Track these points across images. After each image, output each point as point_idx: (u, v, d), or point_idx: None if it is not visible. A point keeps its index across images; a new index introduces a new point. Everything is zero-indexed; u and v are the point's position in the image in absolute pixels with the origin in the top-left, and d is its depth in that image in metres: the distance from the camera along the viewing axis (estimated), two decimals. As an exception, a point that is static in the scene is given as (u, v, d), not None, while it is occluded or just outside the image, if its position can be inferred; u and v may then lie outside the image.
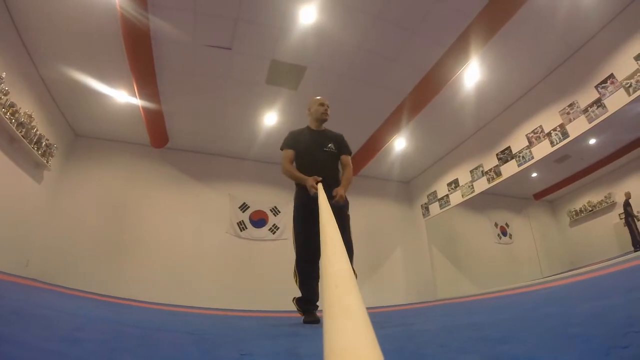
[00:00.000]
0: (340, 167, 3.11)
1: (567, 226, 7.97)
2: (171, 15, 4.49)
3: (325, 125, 3.25)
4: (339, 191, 2.71)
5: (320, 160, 2.99)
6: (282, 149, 3.10)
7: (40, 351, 0.89)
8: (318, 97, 3.25)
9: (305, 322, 2.69)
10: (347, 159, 3.10)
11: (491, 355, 0.98)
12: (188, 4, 4.34)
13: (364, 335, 0.36)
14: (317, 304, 2.85)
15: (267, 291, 6.61)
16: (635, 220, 6.22)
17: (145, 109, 5.91)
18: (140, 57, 4.89)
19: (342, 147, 3.13)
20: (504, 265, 8.13)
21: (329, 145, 3.06)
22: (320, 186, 2.24)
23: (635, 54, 4.48)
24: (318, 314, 2.80)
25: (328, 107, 3.18)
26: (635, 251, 5.86)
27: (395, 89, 5.79)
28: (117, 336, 1.45)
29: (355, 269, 2.51)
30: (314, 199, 2.28)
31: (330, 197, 2.41)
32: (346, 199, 2.82)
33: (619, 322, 1.10)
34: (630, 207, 6.33)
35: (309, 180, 2.65)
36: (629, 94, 4.50)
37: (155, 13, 4.40)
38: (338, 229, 1.00)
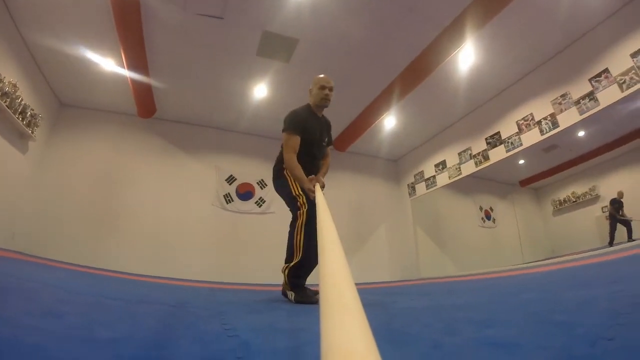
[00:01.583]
0: None
1: (550, 215, 8.07)
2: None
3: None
4: (319, 179, 2.59)
5: (318, 154, 2.84)
6: (287, 131, 2.65)
7: (18, 327, 0.89)
8: (321, 76, 2.82)
9: (297, 301, 2.37)
10: (328, 149, 3.01)
11: (476, 337, 1.00)
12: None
13: (362, 334, 0.36)
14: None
15: (253, 265, 6.66)
16: (619, 217, 6.29)
17: (133, 79, 5.78)
18: (129, 26, 4.74)
19: (330, 138, 3.00)
20: (486, 248, 8.25)
21: (326, 138, 2.90)
22: (318, 187, 2.21)
23: (632, 51, 4.48)
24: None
25: (331, 90, 2.77)
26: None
27: (388, 66, 5.72)
28: (98, 309, 1.46)
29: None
30: None
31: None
32: None
33: (603, 314, 1.12)
34: (618, 205, 6.37)
35: (307, 183, 2.45)
36: (622, 90, 4.51)
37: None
38: (334, 227, 1.00)
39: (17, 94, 5.08)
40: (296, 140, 2.61)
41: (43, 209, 6.01)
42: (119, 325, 1.16)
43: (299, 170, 2.52)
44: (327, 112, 2.94)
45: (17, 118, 5.17)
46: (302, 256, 2.43)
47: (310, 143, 2.71)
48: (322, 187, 2.49)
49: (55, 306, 1.33)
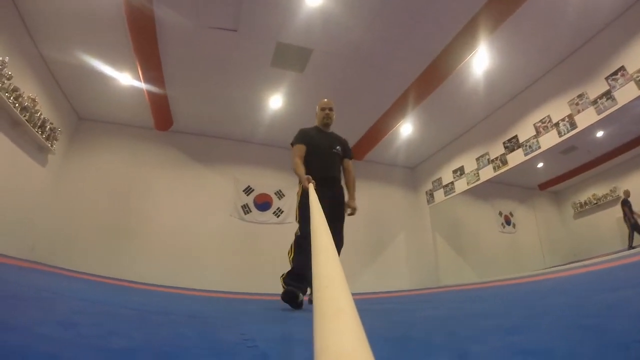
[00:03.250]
0: (341, 168, 3.33)
1: (571, 218, 7.90)
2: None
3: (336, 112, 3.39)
4: (353, 206, 3.16)
5: (329, 160, 3.19)
6: (294, 143, 3.19)
7: (33, 336, 0.87)
8: (324, 100, 3.41)
9: (282, 298, 2.58)
10: (350, 163, 3.35)
11: (503, 345, 0.95)
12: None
13: (355, 336, 0.35)
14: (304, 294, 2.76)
15: (270, 275, 6.60)
16: (634, 218, 6.15)
17: (149, 92, 5.88)
18: (144, 40, 4.85)
19: (346, 150, 3.36)
20: (507, 254, 8.10)
21: (337, 147, 3.26)
22: (311, 187, 2.28)
23: (648, 47, 4.37)
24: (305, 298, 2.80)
25: (331, 110, 3.34)
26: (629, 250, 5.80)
27: (403, 73, 5.69)
28: (114, 318, 1.44)
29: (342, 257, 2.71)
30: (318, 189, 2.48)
31: (330, 196, 2.90)
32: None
33: (633, 317, 1.07)
34: (629, 206, 6.24)
35: (304, 181, 2.73)
36: (640, 88, 4.41)
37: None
38: (329, 229, 0.99)
39: (36, 108, 5.20)
40: (301, 148, 3.10)
41: (62, 221, 6.11)
42: (134, 334, 1.14)
43: (300, 169, 2.90)
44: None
45: (37, 132, 5.29)
46: (294, 266, 2.82)
47: (318, 149, 3.14)
48: (354, 211, 3.16)
49: (70, 316, 1.31)
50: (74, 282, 3.35)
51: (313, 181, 2.67)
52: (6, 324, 0.95)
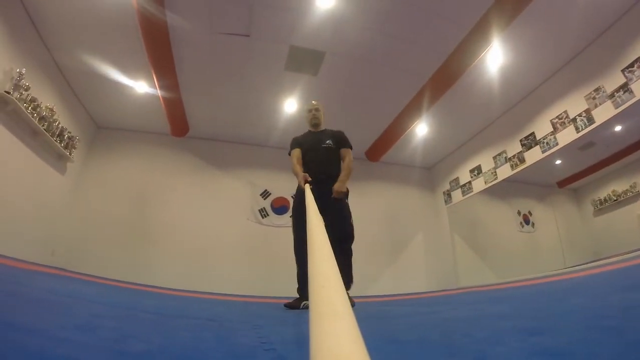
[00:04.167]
0: (341, 162, 3.39)
1: (591, 215, 7.72)
2: (187, 5, 4.47)
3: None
4: (334, 188, 3.08)
5: (320, 155, 3.32)
6: (289, 153, 3.50)
7: (53, 339, 0.88)
8: (311, 102, 3.71)
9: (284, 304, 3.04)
10: (345, 151, 3.39)
11: (523, 347, 0.93)
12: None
13: (351, 337, 0.36)
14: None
15: (287, 278, 6.61)
16: None
17: (165, 99, 5.96)
18: (158, 48, 4.91)
19: (340, 141, 3.43)
20: (526, 254, 7.96)
21: (327, 141, 3.37)
22: (307, 187, 2.39)
23: (664, 36, 4.26)
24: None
25: (317, 110, 3.58)
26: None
27: (416, 73, 5.66)
28: (133, 322, 1.45)
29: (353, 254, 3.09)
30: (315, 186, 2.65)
31: (328, 194, 3.04)
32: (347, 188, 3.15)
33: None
34: None
35: (300, 177, 2.98)
36: (657, 79, 4.29)
37: (171, 5, 4.39)
38: (324, 228, 0.99)
39: (54, 117, 5.31)
40: (296, 152, 3.42)
41: (81, 227, 6.23)
42: (152, 338, 1.14)
43: (296, 169, 3.20)
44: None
45: (55, 141, 5.39)
46: (297, 267, 3.28)
47: (310, 150, 3.38)
48: (339, 193, 3.07)
49: (89, 319, 1.32)
50: (93, 286, 3.39)
51: (309, 179, 2.89)
52: (26, 327, 0.96)
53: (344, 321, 0.39)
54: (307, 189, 2.30)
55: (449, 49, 5.14)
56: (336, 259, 0.65)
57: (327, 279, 0.55)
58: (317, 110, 3.59)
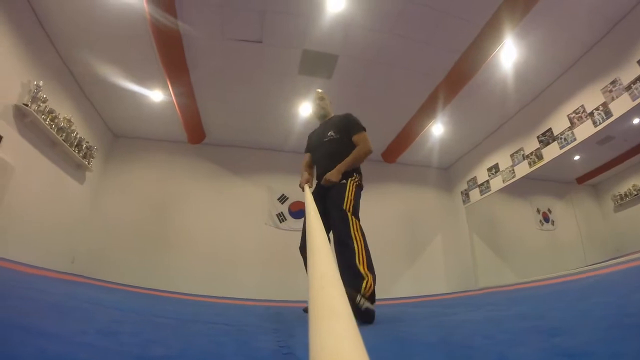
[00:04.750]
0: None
1: (611, 211, 7.55)
2: (200, 13, 4.52)
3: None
4: (325, 175, 2.66)
5: (323, 151, 2.93)
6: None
7: (74, 344, 0.89)
8: (315, 92, 3.49)
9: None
10: (356, 137, 2.81)
11: (545, 348, 0.91)
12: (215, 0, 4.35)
13: (350, 337, 0.36)
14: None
15: (305, 282, 6.61)
16: None
17: (180, 107, 6.03)
18: (171, 57, 4.97)
19: (345, 128, 2.90)
20: (546, 252, 7.81)
21: (329, 133, 2.92)
22: (307, 188, 2.36)
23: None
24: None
25: (321, 99, 3.34)
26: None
27: (429, 73, 5.62)
28: (152, 328, 1.46)
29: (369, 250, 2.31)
30: (317, 195, 2.64)
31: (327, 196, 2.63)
32: (345, 174, 2.64)
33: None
34: None
35: (302, 180, 2.92)
36: (674, 68, 4.18)
37: (183, 14, 4.45)
38: (324, 229, 0.98)
39: (71, 128, 5.41)
40: (305, 157, 3.27)
41: (100, 235, 6.33)
42: (172, 342, 1.15)
43: (302, 172, 3.09)
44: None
45: (74, 151, 5.49)
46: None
47: (315, 148, 3.12)
48: (327, 181, 2.62)
49: (109, 325, 1.33)
50: (113, 292, 3.43)
51: (309, 180, 2.82)
52: (48, 332, 0.97)
53: (344, 321, 0.40)
54: (307, 190, 2.25)
55: (462, 48, 5.09)
56: (337, 259, 0.65)
57: (327, 279, 0.56)
58: (321, 99, 3.32)
